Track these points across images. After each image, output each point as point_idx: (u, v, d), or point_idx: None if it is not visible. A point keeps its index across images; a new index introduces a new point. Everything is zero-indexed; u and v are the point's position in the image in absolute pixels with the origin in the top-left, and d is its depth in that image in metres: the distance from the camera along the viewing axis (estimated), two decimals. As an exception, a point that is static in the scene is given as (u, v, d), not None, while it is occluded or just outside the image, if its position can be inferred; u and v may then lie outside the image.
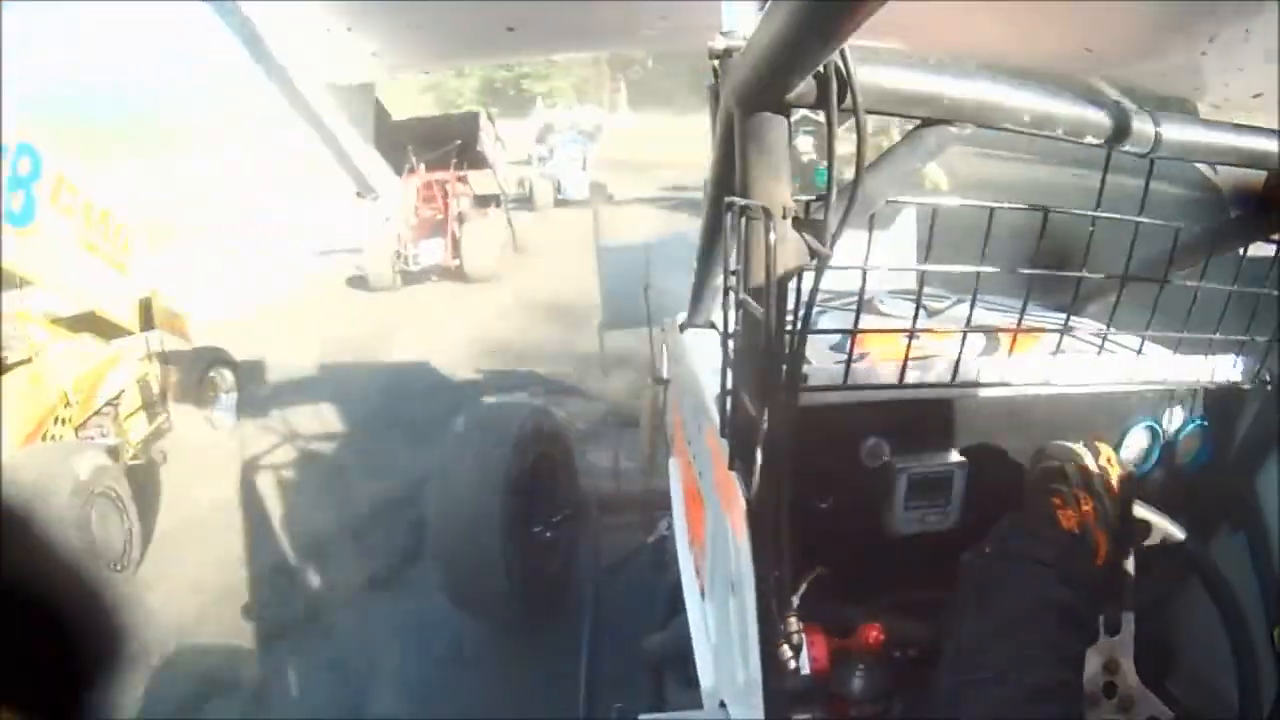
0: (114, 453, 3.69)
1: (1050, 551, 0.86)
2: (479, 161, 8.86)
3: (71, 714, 0.42)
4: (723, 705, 1.13)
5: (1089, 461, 0.94)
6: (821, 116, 0.73)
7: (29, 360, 3.53)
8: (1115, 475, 0.94)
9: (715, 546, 1.15)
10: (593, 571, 2.46)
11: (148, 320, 4.43)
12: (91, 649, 0.44)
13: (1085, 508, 0.90)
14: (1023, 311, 0.98)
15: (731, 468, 0.92)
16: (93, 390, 3.89)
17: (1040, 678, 0.78)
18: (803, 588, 0.97)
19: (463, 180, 9.04)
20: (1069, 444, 0.98)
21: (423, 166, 8.39)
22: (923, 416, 1.04)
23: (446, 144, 8.18)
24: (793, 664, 0.93)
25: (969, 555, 0.90)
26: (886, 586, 1.09)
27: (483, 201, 9.46)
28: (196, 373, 4.74)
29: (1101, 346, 1.09)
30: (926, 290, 1.01)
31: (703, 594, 1.35)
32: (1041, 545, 0.86)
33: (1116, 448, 1.12)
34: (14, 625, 0.40)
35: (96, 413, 3.90)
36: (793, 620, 0.94)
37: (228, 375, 5.05)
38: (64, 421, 3.63)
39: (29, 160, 3.38)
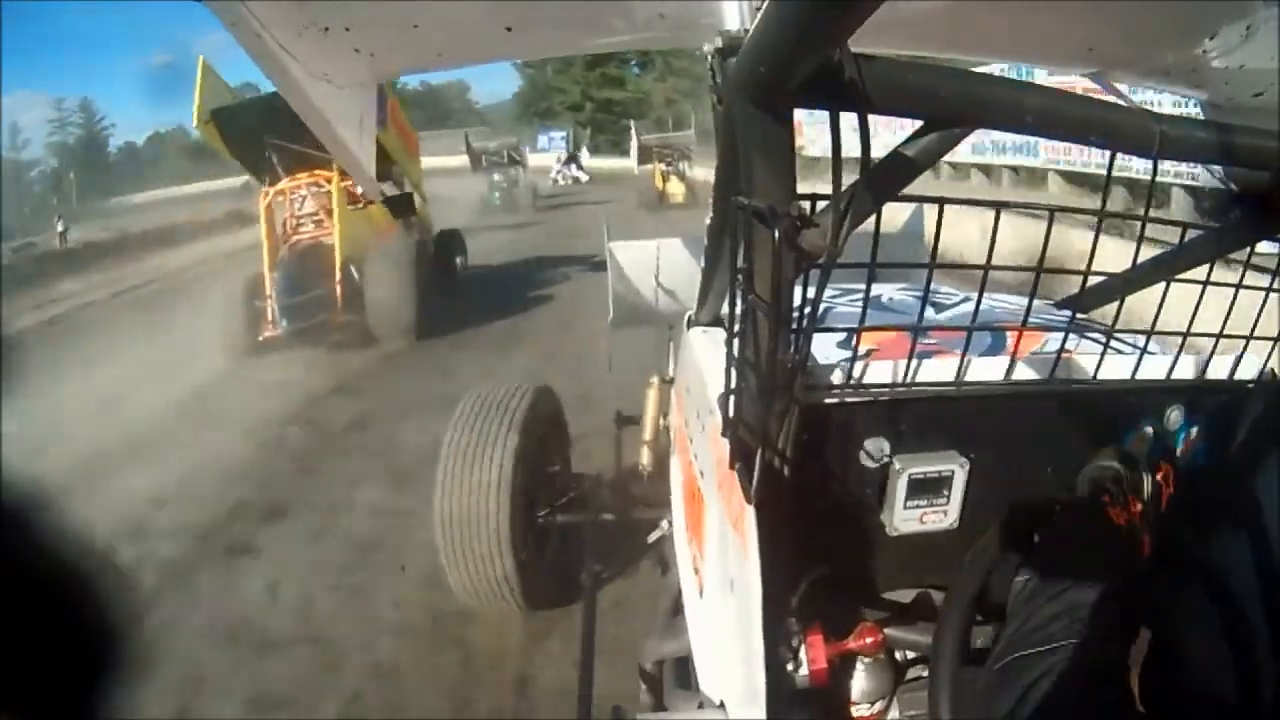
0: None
1: (1104, 533, 0.91)
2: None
3: (70, 715, 0.42)
4: (721, 706, 1.13)
5: (1143, 468, 0.99)
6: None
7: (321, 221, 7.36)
8: (1166, 484, 0.98)
9: (716, 547, 1.15)
10: (591, 568, 2.44)
11: (401, 207, 7.55)
12: (90, 649, 0.43)
13: (1135, 509, 0.94)
14: (1028, 309, 0.97)
15: (733, 468, 0.92)
16: (364, 243, 7.37)
17: (1092, 654, 0.80)
18: (803, 588, 0.97)
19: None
20: (1127, 448, 1.02)
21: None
22: (925, 415, 1.03)
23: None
24: (792, 665, 0.93)
25: (1037, 540, 0.95)
26: (886, 587, 1.08)
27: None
28: (443, 242, 9.28)
29: (1106, 345, 1.09)
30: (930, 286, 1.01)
31: (702, 594, 1.35)
32: (1097, 529, 0.92)
33: (1116, 448, 1.12)
34: (12, 625, 0.39)
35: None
36: (793, 621, 0.94)
37: (463, 245, 9.99)
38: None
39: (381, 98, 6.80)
